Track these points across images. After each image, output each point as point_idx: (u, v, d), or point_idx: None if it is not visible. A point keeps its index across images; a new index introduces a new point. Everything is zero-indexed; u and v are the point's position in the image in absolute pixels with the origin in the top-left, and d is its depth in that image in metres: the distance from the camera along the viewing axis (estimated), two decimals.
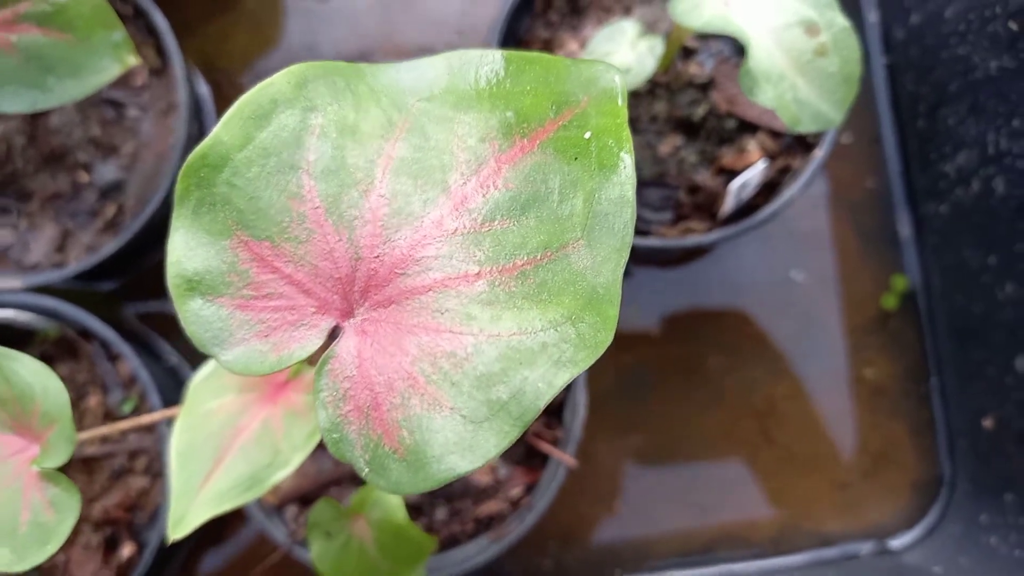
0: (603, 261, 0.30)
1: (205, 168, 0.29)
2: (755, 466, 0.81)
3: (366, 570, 0.53)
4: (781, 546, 0.79)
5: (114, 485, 0.70)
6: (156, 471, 0.70)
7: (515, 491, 0.65)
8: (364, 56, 0.85)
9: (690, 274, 0.80)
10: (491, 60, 0.30)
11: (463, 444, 0.27)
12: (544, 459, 0.66)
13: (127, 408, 0.70)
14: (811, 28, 0.50)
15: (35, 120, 0.72)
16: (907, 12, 0.78)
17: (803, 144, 0.69)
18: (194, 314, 0.30)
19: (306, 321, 0.30)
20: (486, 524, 0.66)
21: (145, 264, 0.80)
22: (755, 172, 0.61)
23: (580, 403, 0.63)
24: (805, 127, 0.51)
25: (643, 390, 0.80)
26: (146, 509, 0.70)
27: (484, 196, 0.30)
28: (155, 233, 0.75)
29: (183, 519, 0.43)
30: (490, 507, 0.65)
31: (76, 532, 0.70)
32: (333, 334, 0.30)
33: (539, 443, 0.64)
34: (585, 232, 0.30)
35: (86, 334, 0.71)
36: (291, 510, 0.66)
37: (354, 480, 0.66)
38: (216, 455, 0.45)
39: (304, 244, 0.30)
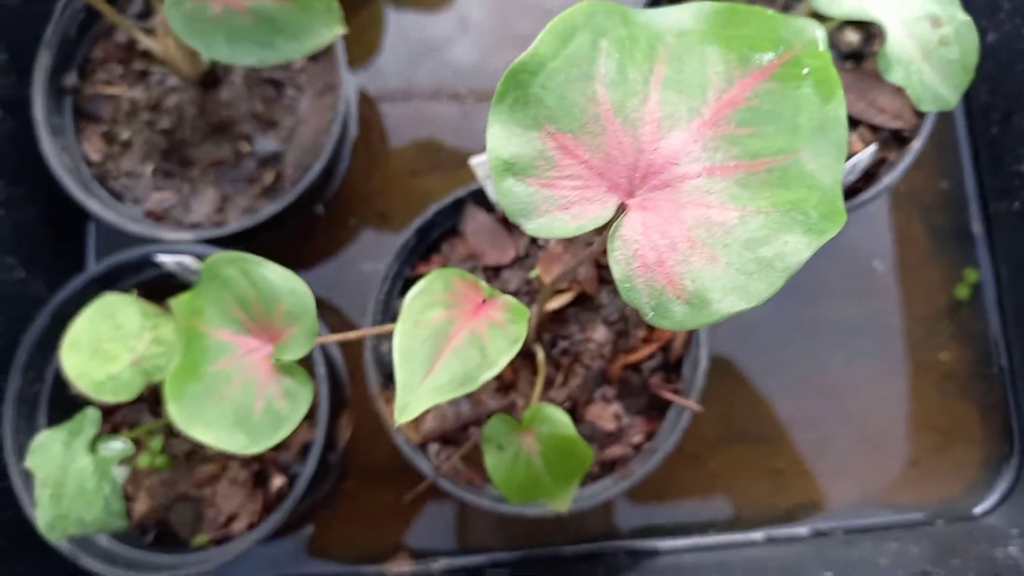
0: (826, 167, 0.37)
1: (524, 73, 0.37)
2: (831, 441, 0.87)
3: (531, 481, 0.60)
4: (858, 514, 0.85)
5: None
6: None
7: (636, 438, 0.72)
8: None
9: None
10: (723, 10, 0.38)
11: (739, 289, 0.35)
12: (662, 411, 0.73)
13: None
14: (935, 21, 0.59)
15: (207, 93, 0.81)
16: (984, 32, 0.87)
17: (898, 139, 0.77)
18: (508, 190, 0.37)
19: (599, 198, 0.37)
20: (610, 466, 0.72)
21: (290, 228, 0.87)
22: (864, 155, 0.69)
23: (703, 356, 0.70)
24: (926, 106, 0.59)
25: (727, 365, 0.87)
26: (291, 449, 0.76)
27: (734, 108, 0.37)
28: (309, 199, 0.83)
29: (407, 407, 0.50)
30: (614, 451, 0.71)
31: (224, 467, 0.76)
32: (619, 210, 0.37)
33: (662, 392, 0.71)
34: (811, 143, 0.37)
35: None
36: (433, 447, 0.73)
37: (488, 419, 0.72)
38: (433, 355, 0.52)
39: (598, 137, 0.37)
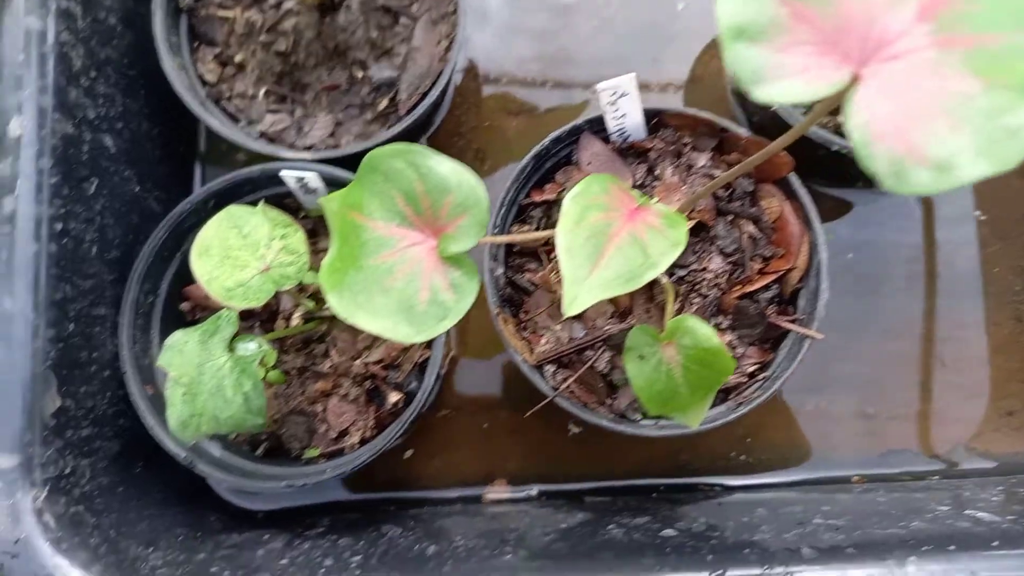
0: None
1: None
2: (928, 388, 0.87)
3: (670, 391, 0.60)
4: (952, 458, 0.85)
5: (375, 344, 0.77)
6: None
7: (750, 368, 0.72)
8: None
9: (888, 204, 0.88)
10: None
11: (987, 154, 0.35)
12: (776, 342, 0.73)
13: None
14: None
15: (324, 18, 0.81)
16: None
17: None
18: (739, 56, 0.38)
19: (832, 66, 0.37)
20: (723, 395, 0.73)
21: None
22: None
23: (824, 287, 0.70)
24: None
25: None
26: (402, 369, 0.77)
27: None
28: (418, 130, 0.83)
29: (575, 300, 0.50)
30: (729, 380, 0.72)
31: (335, 384, 0.77)
32: (852, 80, 0.38)
33: (781, 322, 0.72)
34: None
35: None
36: (548, 369, 0.74)
37: (605, 344, 0.73)
38: (596, 253, 0.52)
39: (831, 6, 0.37)
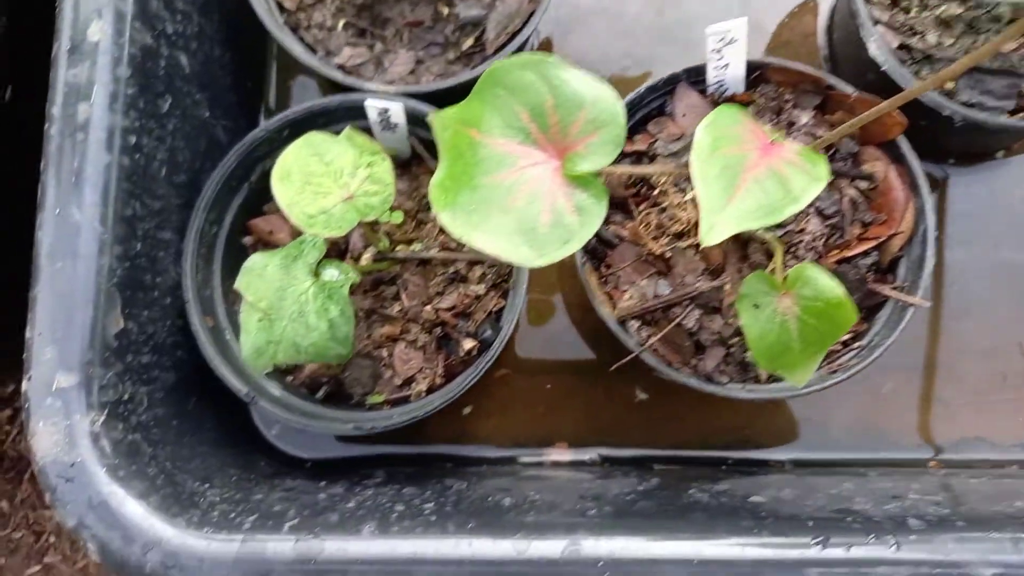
0: None
1: None
2: (1005, 376, 0.84)
3: (782, 344, 0.57)
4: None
5: (448, 290, 0.74)
6: (493, 282, 0.73)
7: (844, 335, 0.69)
8: None
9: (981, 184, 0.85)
10: None
11: None
12: (872, 311, 0.70)
13: None
14: None
15: None
16: None
17: None
18: None
19: None
20: None
21: None
22: None
23: (929, 255, 0.67)
24: None
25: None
26: (474, 318, 0.73)
27: None
28: None
29: (712, 228, 0.47)
30: None
31: (403, 329, 0.74)
32: None
33: (883, 289, 0.68)
34: None
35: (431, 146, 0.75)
36: (632, 325, 0.70)
37: (693, 302, 0.69)
38: (732, 184, 0.49)
39: None
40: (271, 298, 0.59)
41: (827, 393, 0.81)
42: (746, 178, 0.49)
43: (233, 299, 0.75)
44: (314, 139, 0.67)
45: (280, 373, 0.74)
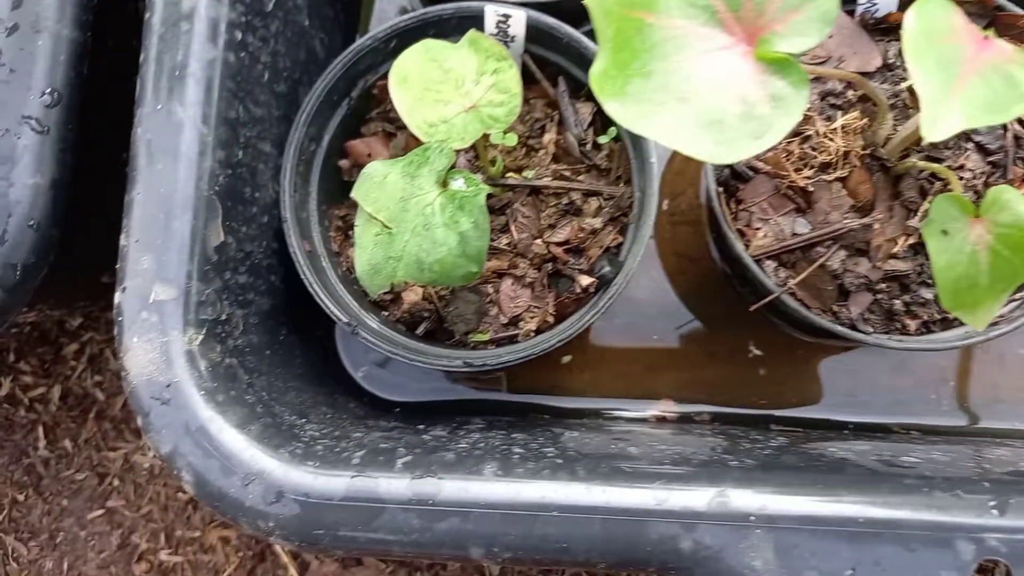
0: None
1: None
2: None
3: (970, 278, 0.50)
4: None
5: (560, 223, 0.68)
6: (610, 215, 0.67)
7: None
8: None
9: None
10: None
11: None
12: None
13: (603, 139, 0.68)
14: None
15: None
16: None
17: None
18: None
19: None
20: None
21: None
22: None
23: None
24: None
25: None
26: (588, 254, 0.67)
27: None
28: None
29: (936, 121, 0.41)
30: None
31: (511, 264, 0.68)
32: None
33: None
34: None
35: (545, 66, 0.69)
36: (768, 264, 0.64)
37: (836, 242, 0.63)
38: (952, 76, 0.42)
39: None
40: (392, 209, 0.53)
41: (951, 356, 0.76)
42: (967, 70, 0.43)
43: (329, 223, 0.70)
44: (431, 45, 0.61)
45: (375, 307, 0.69)
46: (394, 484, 0.52)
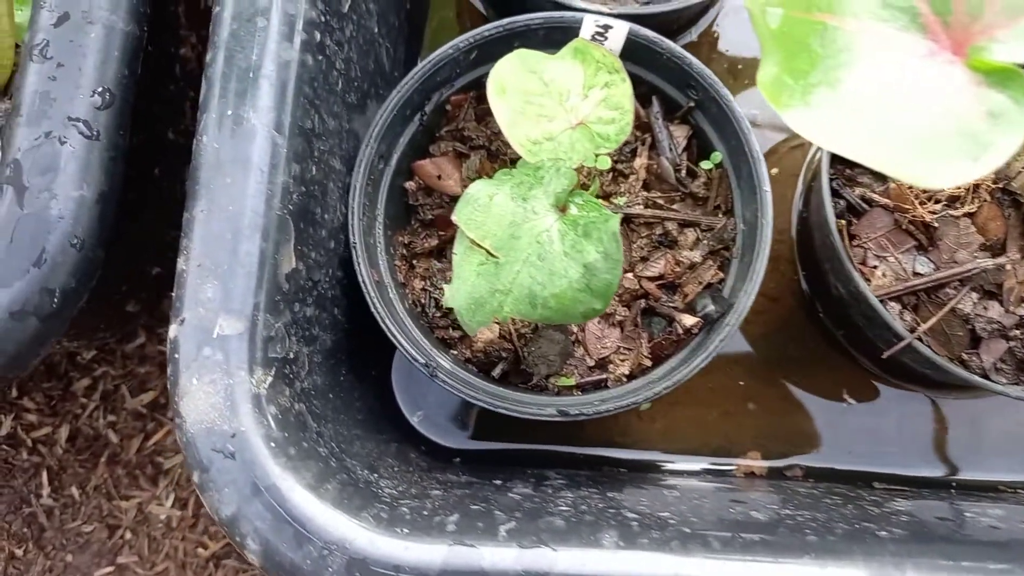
0: None
1: None
2: None
3: None
4: None
5: (654, 256, 0.61)
6: (710, 248, 0.61)
7: None
8: None
9: None
10: None
11: None
12: None
13: (706, 165, 0.61)
14: None
15: None
16: None
17: None
18: None
19: None
20: None
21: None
22: None
23: None
24: None
25: None
26: (684, 290, 0.61)
27: None
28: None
29: None
30: None
31: None
32: None
33: None
34: None
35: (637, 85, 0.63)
36: (892, 307, 0.58)
37: (963, 284, 0.57)
38: None
39: None
40: (500, 236, 0.46)
41: None
42: None
43: (394, 251, 0.63)
44: (528, 55, 0.55)
45: (443, 344, 0.62)
46: (500, 555, 0.45)
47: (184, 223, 0.48)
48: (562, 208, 0.47)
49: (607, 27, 0.58)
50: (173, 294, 0.48)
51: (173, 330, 0.48)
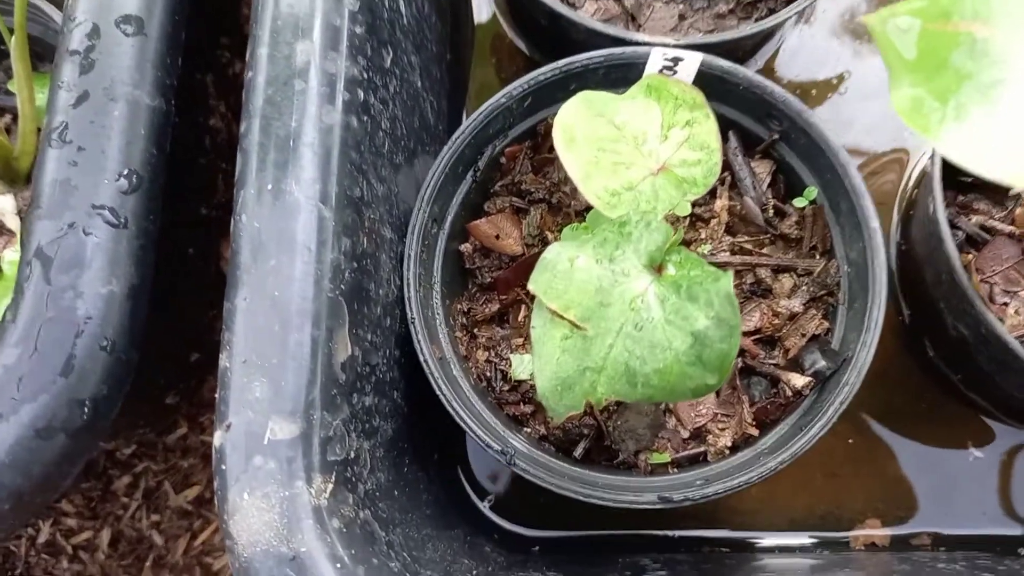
0: None
1: None
2: None
3: None
4: None
5: (746, 308, 0.54)
6: (811, 295, 0.54)
7: None
8: None
9: None
10: None
11: None
12: None
13: (800, 203, 0.55)
14: None
15: None
16: None
17: None
18: None
19: None
20: None
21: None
22: None
23: None
24: None
25: None
26: (785, 344, 0.54)
27: None
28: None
29: None
30: None
31: None
32: None
33: None
34: None
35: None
36: None
37: None
38: None
39: None
40: (586, 305, 0.40)
41: None
42: None
43: (453, 322, 0.57)
44: (593, 97, 0.49)
45: (514, 422, 0.55)
46: None
47: (225, 314, 0.43)
48: (657, 268, 0.40)
49: (677, 59, 0.52)
50: (217, 395, 0.43)
51: (218, 437, 0.42)
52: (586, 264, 0.41)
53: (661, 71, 0.53)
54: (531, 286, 0.41)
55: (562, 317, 0.40)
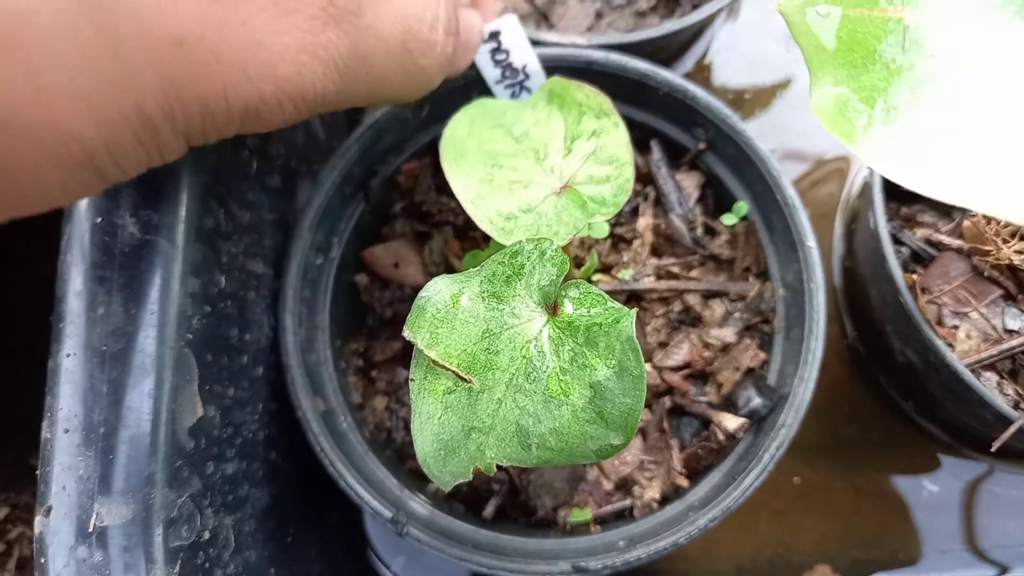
0: None
1: None
2: None
3: None
4: None
5: (674, 339, 0.49)
6: (745, 323, 0.48)
7: None
8: None
9: None
10: None
11: None
12: None
13: (729, 220, 0.49)
14: None
15: None
16: None
17: None
18: None
19: None
20: None
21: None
22: None
23: None
24: None
25: None
26: (718, 379, 0.48)
27: None
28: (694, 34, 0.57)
29: None
30: None
31: None
32: None
33: None
34: None
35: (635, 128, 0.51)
36: (989, 379, 0.45)
37: None
38: None
39: None
40: (472, 352, 0.34)
41: None
42: None
43: (346, 364, 0.50)
44: (490, 105, 0.43)
45: (417, 478, 0.48)
46: None
47: (48, 373, 0.36)
48: (552, 306, 0.34)
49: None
50: (38, 472, 0.35)
51: (38, 524, 0.35)
52: (471, 304, 0.34)
53: (495, 63, 0.47)
54: (406, 331, 0.34)
55: (444, 367, 0.34)
